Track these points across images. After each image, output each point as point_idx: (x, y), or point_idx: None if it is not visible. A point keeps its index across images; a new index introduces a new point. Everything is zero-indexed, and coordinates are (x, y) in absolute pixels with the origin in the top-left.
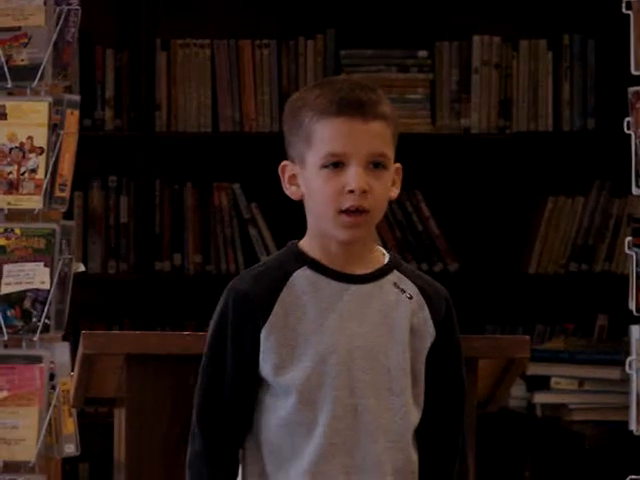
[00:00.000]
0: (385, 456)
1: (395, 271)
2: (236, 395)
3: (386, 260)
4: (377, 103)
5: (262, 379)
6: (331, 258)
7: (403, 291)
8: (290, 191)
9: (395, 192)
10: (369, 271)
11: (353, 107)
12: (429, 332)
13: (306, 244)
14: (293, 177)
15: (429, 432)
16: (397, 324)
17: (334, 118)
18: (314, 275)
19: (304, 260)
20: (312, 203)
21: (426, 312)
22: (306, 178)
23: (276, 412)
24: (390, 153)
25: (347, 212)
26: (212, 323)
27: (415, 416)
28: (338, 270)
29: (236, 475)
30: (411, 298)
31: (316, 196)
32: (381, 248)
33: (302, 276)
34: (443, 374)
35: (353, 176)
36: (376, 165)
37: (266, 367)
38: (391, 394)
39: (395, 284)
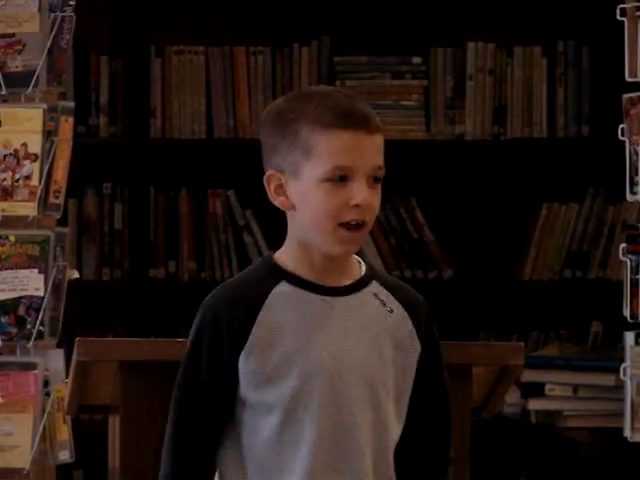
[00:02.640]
0: (371, 471)
1: (374, 282)
2: (213, 414)
3: (363, 270)
4: (374, 115)
5: (243, 399)
6: (311, 270)
7: (384, 304)
8: (279, 201)
9: None
10: (349, 282)
11: (358, 120)
12: (414, 346)
13: (285, 256)
14: (280, 187)
15: (416, 447)
16: (379, 338)
17: (341, 131)
18: (293, 290)
19: (282, 275)
20: (306, 215)
21: (409, 325)
22: (300, 190)
23: (260, 431)
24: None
25: (347, 226)
26: (189, 341)
27: (395, 432)
28: (318, 283)
29: None
30: (392, 312)
31: (314, 209)
32: (356, 257)
33: (281, 293)
34: (429, 386)
35: (359, 191)
36: (376, 179)
37: (248, 387)
38: (373, 409)
39: (375, 295)
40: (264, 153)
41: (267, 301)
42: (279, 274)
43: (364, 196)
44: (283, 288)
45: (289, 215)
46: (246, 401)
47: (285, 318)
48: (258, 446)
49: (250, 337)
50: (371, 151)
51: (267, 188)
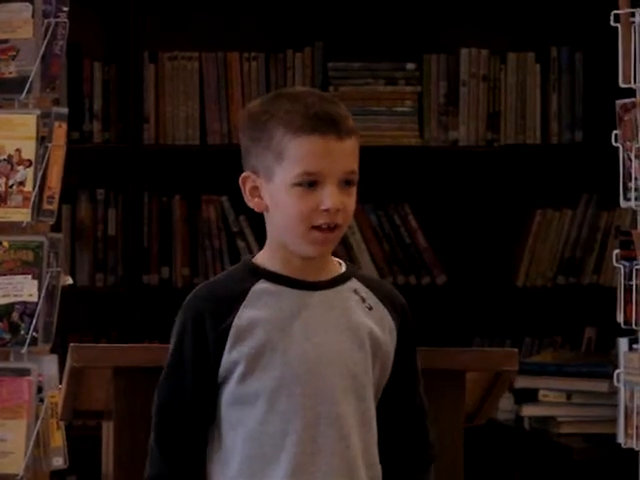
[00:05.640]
0: (359, 461)
1: (354, 279)
2: (198, 415)
3: (343, 268)
4: (346, 118)
5: (227, 393)
6: (290, 268)
7: (363, 300)
8: (253, 203)
9: None
10: (328, 278)
11: (327, 124)
12: (391, 342)
13: (264, 257)
14: (255, 189)
15: (391, 445)
16: (359, 331)
17: (309, 136)
18: (273, 286)
19: (261, 274)
20: (279, 217)
21: (389, 322)
22: (273, 192)
23: (244, 424)
24: (357, 169)
25: (319, 228)
26: (172, 342)
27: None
28: (296, 278)
29: None
30: (371, 309)
31: (286, 212)
32: (336, 258)
33: (260, 289)
34: (400, 386)
35: (329, 195)
36: (347, 182)
37: (232, 380)
38: (357, 399)
39: (355, 291)
40: (242, 154)
41: (247, 298)
42: (258, 273)
43: (333, 201)
44: (262, 285)
45: (265, 216)
46: (229, 396)
47: (266, 312)
48: (242, 440)
49: (231, 331)
50: (341, 156)
51: (242, 189)
